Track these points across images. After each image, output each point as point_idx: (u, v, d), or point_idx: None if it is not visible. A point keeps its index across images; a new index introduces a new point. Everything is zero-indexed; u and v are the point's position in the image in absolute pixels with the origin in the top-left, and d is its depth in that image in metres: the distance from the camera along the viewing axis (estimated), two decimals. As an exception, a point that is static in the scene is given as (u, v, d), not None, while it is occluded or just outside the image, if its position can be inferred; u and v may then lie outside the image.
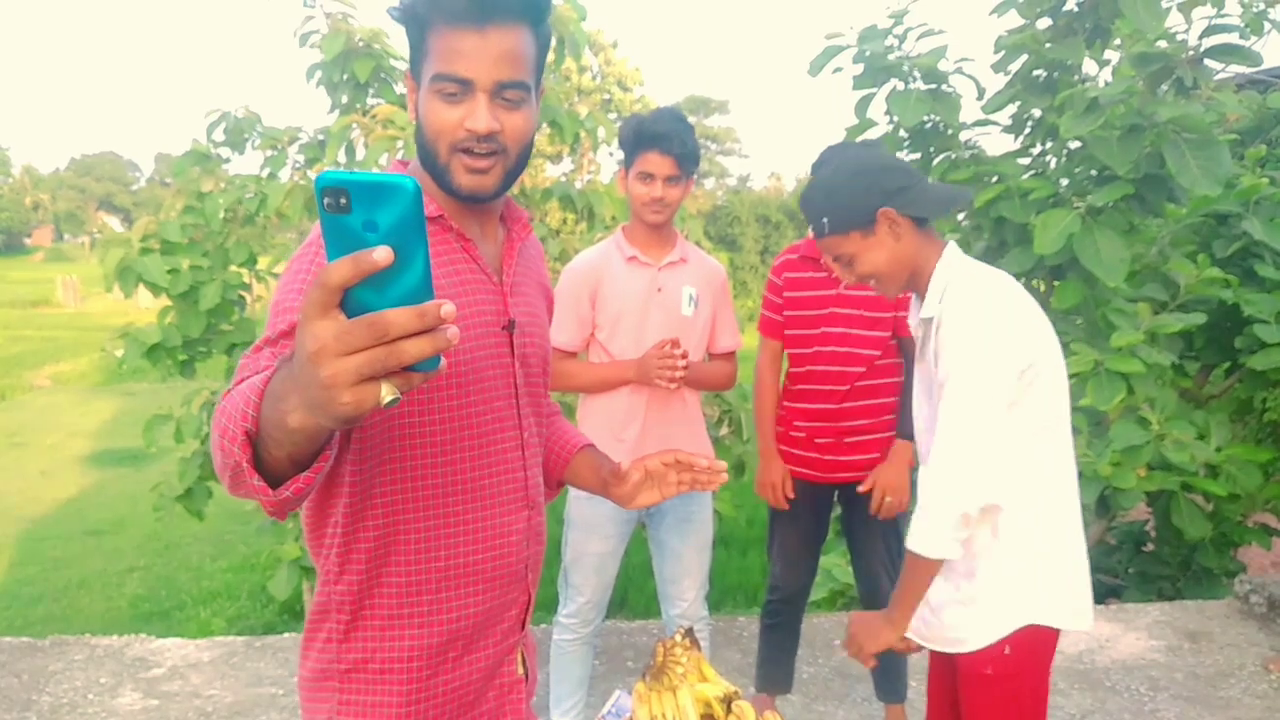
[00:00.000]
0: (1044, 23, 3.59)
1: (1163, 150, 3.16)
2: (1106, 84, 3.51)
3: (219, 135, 4.13)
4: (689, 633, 1.43)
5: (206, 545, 7.52)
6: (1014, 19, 3.62)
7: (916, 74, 3.60)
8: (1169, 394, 3.53)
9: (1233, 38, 3.17)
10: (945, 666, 1.83)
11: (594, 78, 25.27)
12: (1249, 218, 3.77)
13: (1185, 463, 3.34)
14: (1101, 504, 3.48)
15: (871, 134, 3.83)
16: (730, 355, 2.62)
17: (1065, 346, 3.34)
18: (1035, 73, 3.65)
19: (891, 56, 3.62)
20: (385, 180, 0.66)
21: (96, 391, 14.70)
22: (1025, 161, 3.88)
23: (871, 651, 1.72)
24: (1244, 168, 4.29)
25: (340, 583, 1.14)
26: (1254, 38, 3.37)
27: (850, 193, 1.69)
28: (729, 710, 1.37)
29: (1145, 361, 3.20)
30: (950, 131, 3.77)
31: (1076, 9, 3.48)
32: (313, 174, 3.99)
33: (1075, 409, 3.49)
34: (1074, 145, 3.65)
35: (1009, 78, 3.70)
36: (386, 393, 0.68)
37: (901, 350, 2.57)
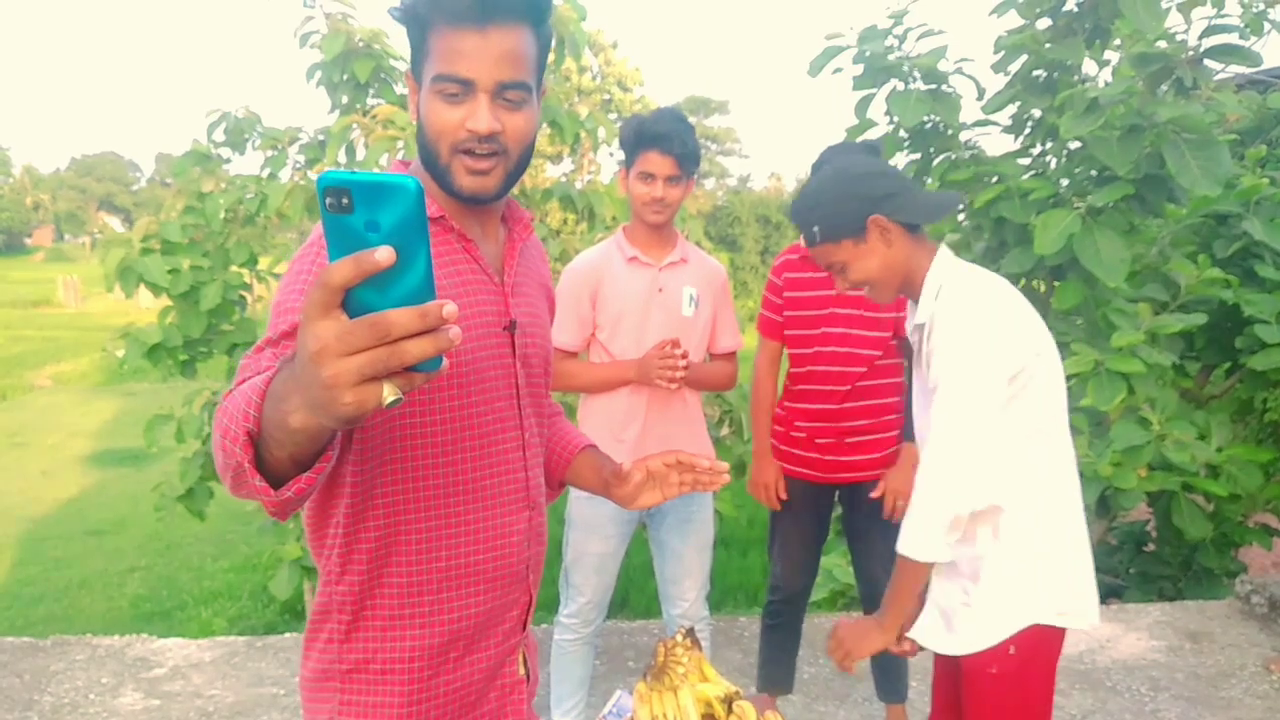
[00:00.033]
0: (1044, 23, 3.59)
1: (1163, 150, 3.16)
2: (1106, 84, 3.51)
3: (219, 135, 4.13)
4: (690, 633, 1.44)
5: (208, 545, 7.52)
6: (1014, 19, 3.62)
7: (916, 74, 3.60)
8: (1170, 394, 3.53)
9: (1233, 38, 3.17)
10: (950, 667, 1.83)
11: (594, 78, 25.28)
12: (1249, 218, 3.77)
13: (1186, 463, 3.34)
14: (1102, 504, 3.48)
15: (871, 134, 3.83)
16: (731, 356, 2.62)
17: (1065, 346, 3.38)
18: (1035, 73, 3.65)
19: (891, 57, 3.61)
20: (387, 180, 0.66)
21: (97, 391, 14.71)
22: (1025, 162, 3.87)
23: (860, 656, 1.71)
24: (1244, 168, 4.29)
25: (342, 583, 1.14)
26: (1254, 38, 3.37)
27: (840, 201, 1.70)
28: (730, 710, 1.37)
29: (1146, 362, 3.20)
30: (950, 132, 3.77)
31: (1076, 9, 3.48)
32: (313, 174, 3.99)
33: (1076, 409, 3.51)
34: (1074, 145, 3.65)
35: (1009, 78, 3.70)
36: (388, 393, 0.68)
37: (902, 350, 2.57)
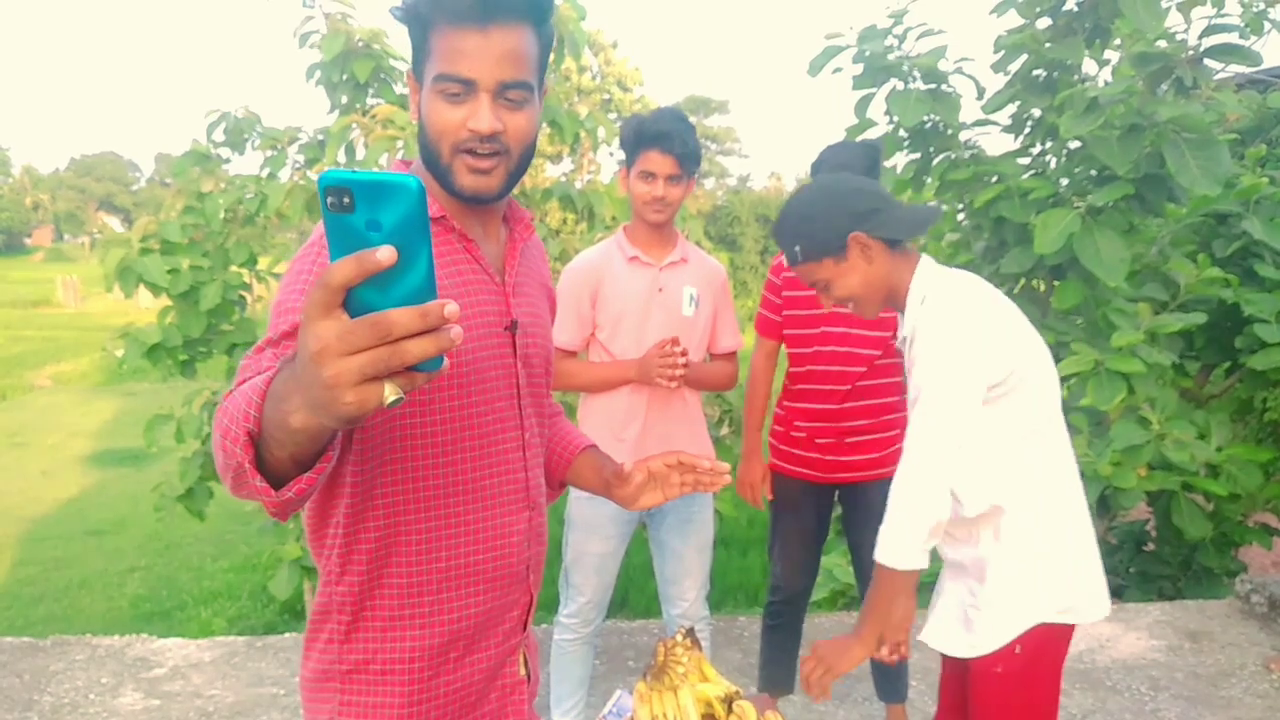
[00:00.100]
0: (1044, 22, 3.60)
1: (1163, 150, 3.17)
2: (1106, 84, 3.51)
3: (219, 135, 4.13)
4: (690, 632, 1.44)
5: (207, 545, 7.52)
6: (1014, 19, 3.62)
7: (916, 74, 3.60)
8: (1169, 394, 3.53)
9: (1233, 37, 3.17)
10: (957, 668, 1.83)
11: (594, 78, 25.28)
12: (1249, 217, 3.78)
13: (1186, 462, 3.34)
14: (1102, 504, 3.48)
15: (871, 134, 3.83)
16: (731, 355, 2.62)
17: (1065, 346, 3.38)
18: (1035, 73, 3.65)
19: (891, 56, 3.62)
20: (389, 179, 0.65)
21: (97, 391, 14.70)
22: (1025, 161, 3.88)
23: (842, 672, 1.70)
24: (1244, 167, 4.29)
25: (342, 583, 1.14)
26: (1254, 37, 3.38)
27: (820, 219, 1.71)
28: (730, 710, 1.37)
29: (1146, 361, 3.20)
30: (950, 131, 3.77)
31: (1076, 9, 3.48)
32: (313, 174, 3.99)
33: (1076, 409, 3.52)
34: (1074, 145, 3.65)
35: (1009, 78, 3.70)
36: (389, 393, 0.68)
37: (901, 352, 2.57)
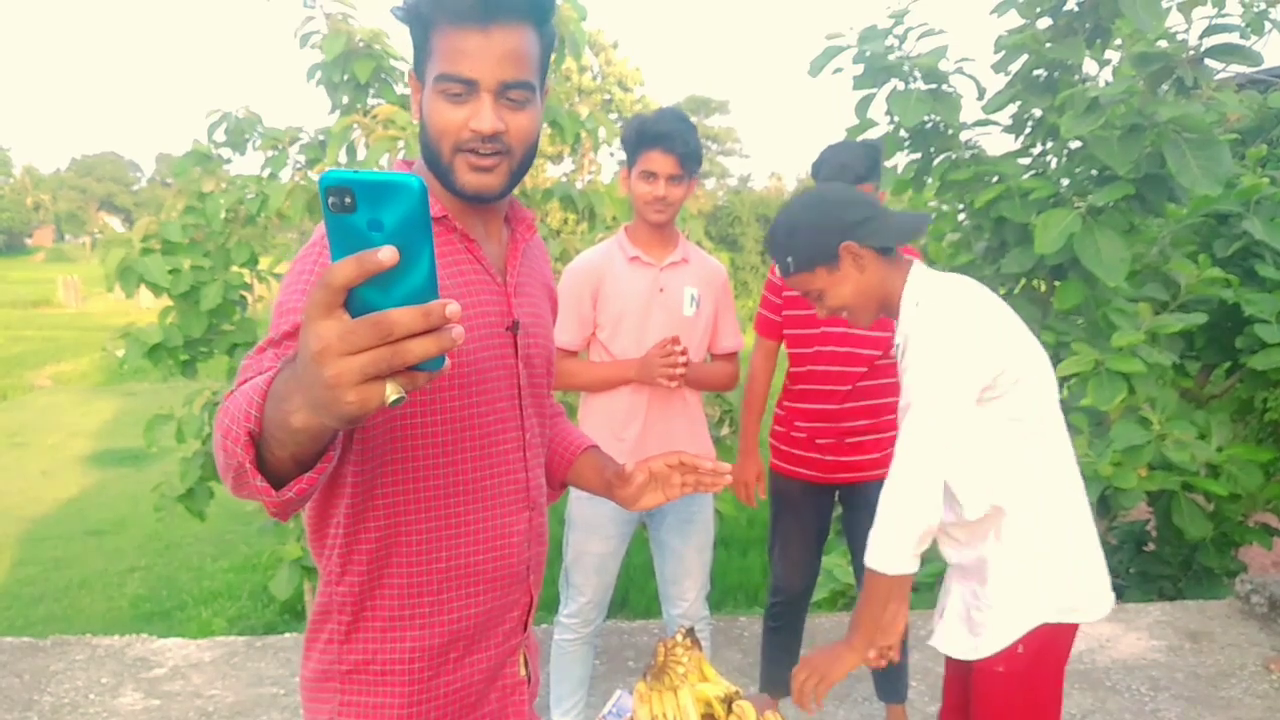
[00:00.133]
0: (1044, 23, 3.60)
1: (1163, 150, 3.17)
2: (1107, 84, 3.51)
3: (220, 136, 4.13)
4: (690, 632, 1.44)
5: (208, 545, 7.52)
6: (1014, 19, 3.63)
7: (917, 74, 3.60)
8: (1170, 394, 3.54)
9: (1233, 37, 3.17)
10: (961, 668, 1.83)
11: (594, 78, 25.29)
12: (1249, 217, 3.78)
13: (1186, 462, 3.34)
14: (1102, 504, 3.48)
15: (872, 134, 3.83)
16: (732, 356, 2.62)
17: (1066, 346, 3.38)
18: (1035, 73, 3.65)
19: (892, 57, 3.62)
20: (390, 179, 0.65)
21: (97, 391, 14.71)
22: (1025, 161, 3.88)
23: (834, 681, 1.70)
24: (1244, 168, 4.29)
25: (342, 583, 1.14)
26: (1254, 37, 3.38)
27: (811, 230, 1.72)
28: (730, 710, 1.37)
29: (1146, 361, 3.20)
30: (950, 131, 3.77)
31: (1076, 9, 3.48)
32: (314, 174, 3.99)
33: (1076, 409, 3.52)
34: (1074, 145, 3.66)
35: (1009, 78, 3.70)
36: (391, 392, 0.68)
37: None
